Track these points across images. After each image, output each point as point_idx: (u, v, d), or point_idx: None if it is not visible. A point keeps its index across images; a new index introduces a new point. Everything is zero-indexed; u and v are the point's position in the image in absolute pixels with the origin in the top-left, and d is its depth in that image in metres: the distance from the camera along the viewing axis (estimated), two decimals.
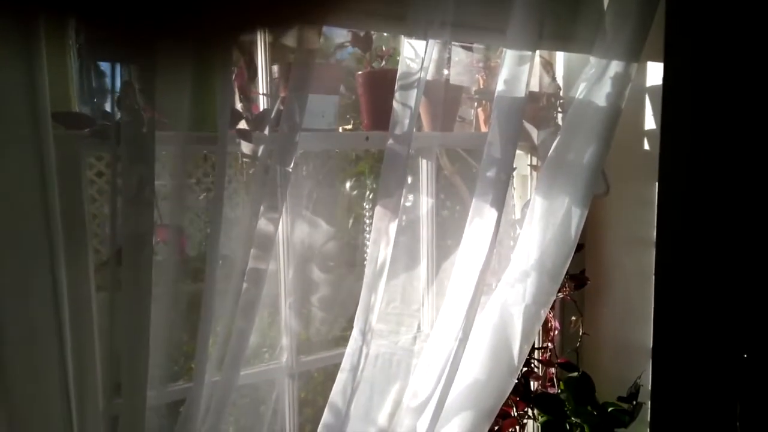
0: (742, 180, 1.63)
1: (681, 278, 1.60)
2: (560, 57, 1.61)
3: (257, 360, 1.26)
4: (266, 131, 1.05)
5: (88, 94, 1.09)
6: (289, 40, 1.05)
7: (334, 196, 1.43)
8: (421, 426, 1.17)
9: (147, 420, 1.00)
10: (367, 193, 1.43)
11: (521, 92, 1.20)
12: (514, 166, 1.64)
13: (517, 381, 1.55)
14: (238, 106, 1.18)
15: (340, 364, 1.14)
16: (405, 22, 1.16)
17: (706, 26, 1.55)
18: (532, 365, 1.58)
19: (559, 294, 1.60)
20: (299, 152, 1.29)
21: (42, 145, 0.96)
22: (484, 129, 1.49)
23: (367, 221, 1.42)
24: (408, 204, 1.31)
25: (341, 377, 1.12)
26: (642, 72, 1.53)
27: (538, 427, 1.56)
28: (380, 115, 1.26)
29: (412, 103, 1.12)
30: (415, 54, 1.10)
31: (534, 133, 1.43)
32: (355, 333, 1.12)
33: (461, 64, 1.47)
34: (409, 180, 1.37)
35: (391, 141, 1.14)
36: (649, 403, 1.56)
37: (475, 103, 1.54)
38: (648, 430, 1.57)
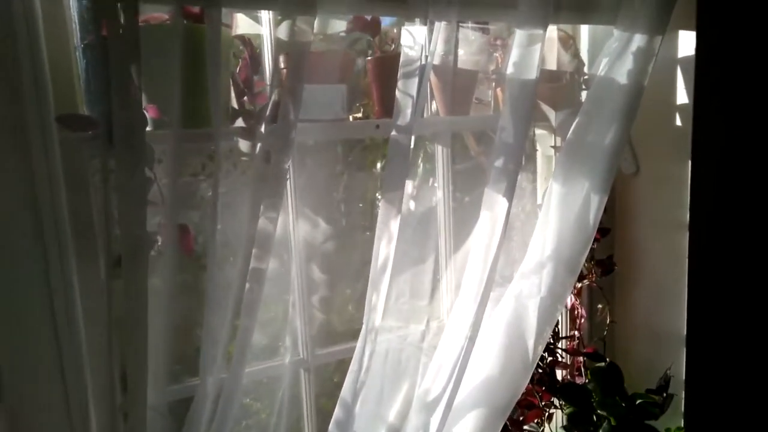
0: None
1: (716, 262, 1.51)
2: (584, 30, 1.52)
3: (274, 354, 1.25)
4: (262, 128, 1.03)
5: (92, 95, 1.09)
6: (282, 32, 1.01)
7: (355, 186, 1.40)
8: (434, 423, 1.15)
9: (154, 418, 1.01)
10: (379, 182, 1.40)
11: (532, 74, 1.13)
12: (537, 148, 1.58)
13: (541, 371, 1.51)
14: (242, 99, 1.16)
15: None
16: (406, 3, 1.11)
17: None
18: (558, 354, 1.53)
19: (585, 281, 1.53)
20: (311, 143, 1.27)
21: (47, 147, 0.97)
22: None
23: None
24: (419, 193, 1.27)
25: (349, 375, 1.11)
26: (673, 42, 1.43)
27: (564, 417, 1.52)
28: (392, 102, 1.21)
29: (414, 92, 1.07)
30: (414, 41, 1.05)
31: (552, 114, 1.36)
32: (363, 331, 1.10)
33: (476, 43, 1.40)
34: (421, 168, 1.32)
35: (394, 132, 1.10)
36: (683, 394, 1.48)
37: (493, 84, 1.47)
38: (682, 421, 1.50)
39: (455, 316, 1.18)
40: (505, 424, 1.30)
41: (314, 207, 1.24)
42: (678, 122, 1.46)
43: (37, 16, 0.94)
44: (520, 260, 1.33)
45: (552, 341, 1.51)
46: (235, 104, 1.11)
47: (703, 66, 1.41)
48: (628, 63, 1.24)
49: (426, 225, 1.24)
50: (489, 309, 1.23)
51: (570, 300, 1.57)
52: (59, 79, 0.99)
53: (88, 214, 1.05)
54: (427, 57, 1.14)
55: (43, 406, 0.98)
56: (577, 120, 1.28)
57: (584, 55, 1.49)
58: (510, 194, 1.14)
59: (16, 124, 0.93)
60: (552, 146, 1.52)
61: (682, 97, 1.44)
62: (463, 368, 1.13)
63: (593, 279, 1.52)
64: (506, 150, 1.15)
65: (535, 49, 1.14)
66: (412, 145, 1.12)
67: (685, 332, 1.49)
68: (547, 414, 1.50)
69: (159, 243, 1.05)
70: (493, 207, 1.14)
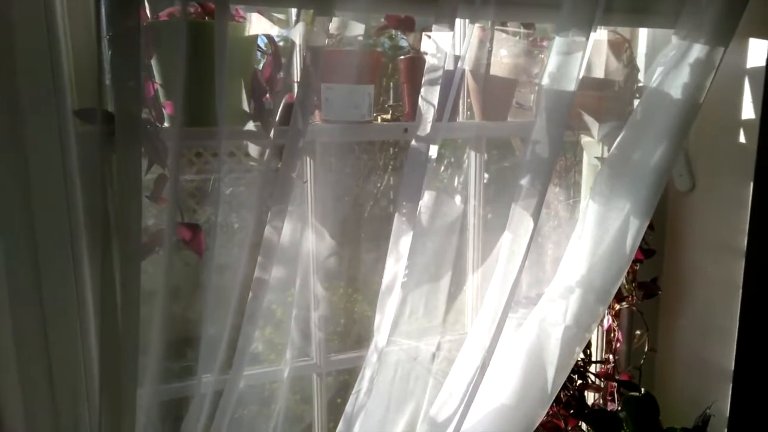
0: None
1: None
2: (643, 34, 1.39)
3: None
4: (271, 134, 0.99)
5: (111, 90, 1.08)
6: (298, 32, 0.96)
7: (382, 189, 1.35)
8: None
9: (154, 416, 1.02)
10: None
11: (570, 86, 1.04)
12: (582, 157, 1.48)
13: (569, 394, 1.42)
14: (263, 98, 1.12)
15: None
16: (437, 3, 1.03)
17: None
18: (588, 378, 1.44)
19: (624, 303, 1.43)
20: (337, 143, 1.22)
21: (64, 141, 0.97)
22: None
23: None
24: (441, 205, 1.20)
25: (353, 396, 1.07)
26: (742, 50, 1.28)
27: None
28: None
29: (435, 101, 1.00)
30: (437, 48, 0.98)
31: (595, 126, 1.25)
32: (368, 352, 1.06)
33: (519, 45, 1.31)
34: (446, 179, 1.25)
35: (413, 141, 1.04)
36: None
37: (536, 87, 1.37)
38: None
39: (470, 340, 1.11)
40: None
41: (332, 211, 1.20)
42: (742, 138, 1.32)
43: (59, 8, 0.93)
44: (550, 280, 1.24)
45: (583, 363, 1.42)
46: (249, 105, 1.08)
47: None
48: (684, 75, 1.12)
49: (446, 239, 1.18)
50: (511, 331, 1.17)
51: (607, 321, 1.47)
52: (78, 73, 0.99)
53: (104, 208, 1.05)
54: (457, 61, 1.07)
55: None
56: (622, 134, 1.17)
57: (640, 61, 1.37)
58: (537, 214, 1.06)
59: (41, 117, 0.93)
60: (597, 157, 1.42)
61: (748, 110, 1.29)
62: (473, 395, 1.06)
63: (633, 302, 1.42)
64: (536, 165, 1.07)
65: (575, 57, 1.04)
66: (434, 155, 1.06)
67: (732, 369, 1.37)
68: None
69: (172, 240, 1.05)
70: (518, 227, 1.06)
